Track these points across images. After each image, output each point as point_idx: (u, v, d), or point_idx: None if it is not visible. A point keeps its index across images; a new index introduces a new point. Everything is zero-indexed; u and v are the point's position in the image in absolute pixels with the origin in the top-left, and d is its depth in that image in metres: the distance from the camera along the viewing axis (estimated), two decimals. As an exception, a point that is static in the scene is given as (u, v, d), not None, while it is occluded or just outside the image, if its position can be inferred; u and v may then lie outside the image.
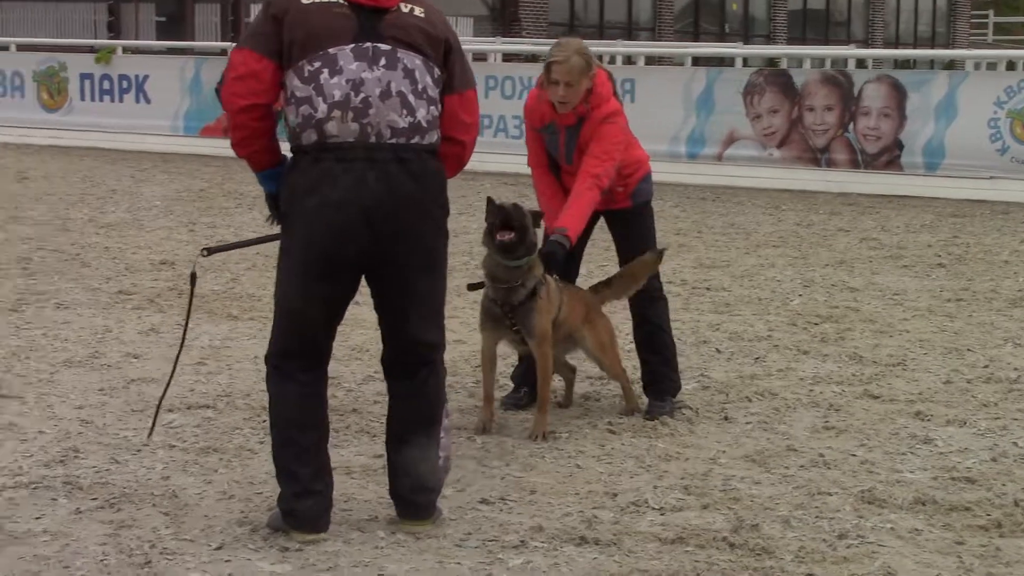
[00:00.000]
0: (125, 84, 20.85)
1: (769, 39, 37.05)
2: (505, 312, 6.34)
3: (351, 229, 4.86)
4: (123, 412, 6.61)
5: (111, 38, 28.09)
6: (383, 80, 4.89)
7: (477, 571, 4.79)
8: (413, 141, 4.94)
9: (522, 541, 5.05)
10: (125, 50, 22.03)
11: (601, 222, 7.05)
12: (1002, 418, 6.90)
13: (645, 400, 6.94)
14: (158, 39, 27.83)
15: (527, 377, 6.92)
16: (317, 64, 4.85)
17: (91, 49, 21.85)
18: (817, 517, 5.43)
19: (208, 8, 29.46)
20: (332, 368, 6.55)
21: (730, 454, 6.26)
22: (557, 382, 7.09)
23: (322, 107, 4.84)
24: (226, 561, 4.81)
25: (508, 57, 21.75)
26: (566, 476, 5.87)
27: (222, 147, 19.62)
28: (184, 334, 5.50)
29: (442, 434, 5.31)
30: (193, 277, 5.39)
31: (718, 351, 8.35)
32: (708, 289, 10.39)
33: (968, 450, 6.37)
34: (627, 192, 6.90)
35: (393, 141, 4.90)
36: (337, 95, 4.84)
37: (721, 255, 12.09)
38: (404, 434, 5.17)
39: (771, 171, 17.30)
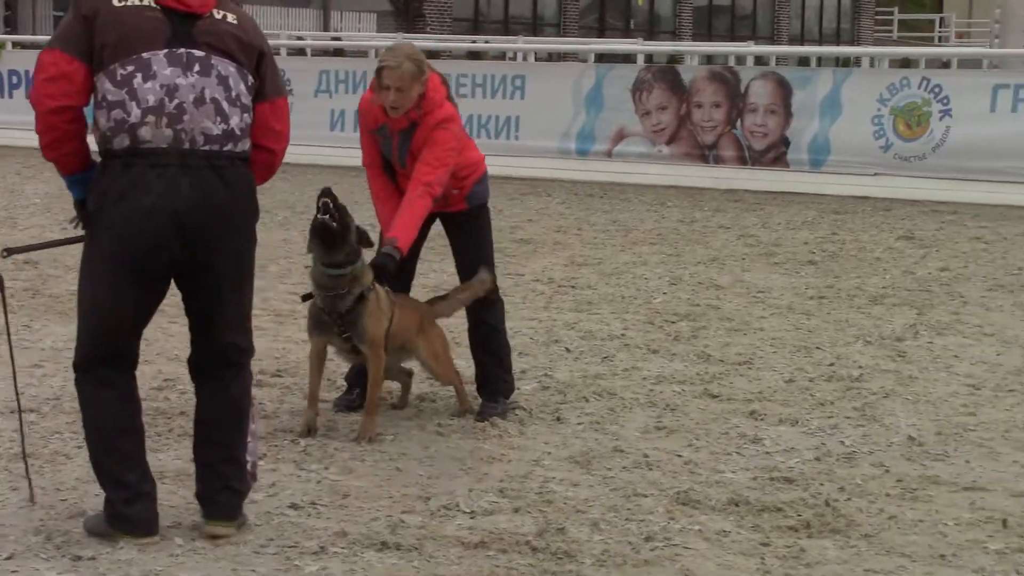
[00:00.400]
0: (15, 79, 20.58)
1: (675, 35, 37.20)
2: (334, 319, 6.29)
3: (162, 235, 4.81)
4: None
5: (7, 32, 27.73)
6: (197, 86, 4.84)
7: (271, 579, 4.74)
8: (226, 148, 4.90)
9: (322, 547, 4.99)
10: (15, 45, 21.73)
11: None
12: (835, 416, 6.94)
13: (480, 401, 6.90)
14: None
15: (360, 378, 6.87)
16: (130, 68, 4.78)
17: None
18: (627, 519, 5.41)
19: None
20: (170, 371, 6.52)
21: (555, 455, 6.24)
22: (391, 385, 7.05)
23: (136, 112, 4.78)
24: (12, 572, 4.72)
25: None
26: (384, 479, 5.82)
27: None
28: (9, 337, 5.44)
29: (249, 439, 5.28)
30: (0, 281, 5.27)
31: (567, 350, 8.34)
32: (573, 287, 10.40)
33: (794, 449, 6.39)
34: (462, 195, 6.87)
35: (207, 148, 4.85)
36: (151, 100, 4.79)
37: (595, 252, 12.12)
38: (209, 434, 5.15)
39: (660, 167, 17.38)
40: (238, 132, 4.94)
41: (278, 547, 4.99)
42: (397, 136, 6.70)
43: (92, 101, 4.89)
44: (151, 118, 4.80)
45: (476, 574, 4.83)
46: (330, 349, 6.57)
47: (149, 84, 4.80)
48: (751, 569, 4.97)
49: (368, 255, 6.44)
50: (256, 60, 5.03)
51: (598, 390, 7.37)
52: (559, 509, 5.51)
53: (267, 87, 5.08)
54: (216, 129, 4.87)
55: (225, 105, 4.90)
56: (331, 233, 6.18)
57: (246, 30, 5.02)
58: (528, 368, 7.80)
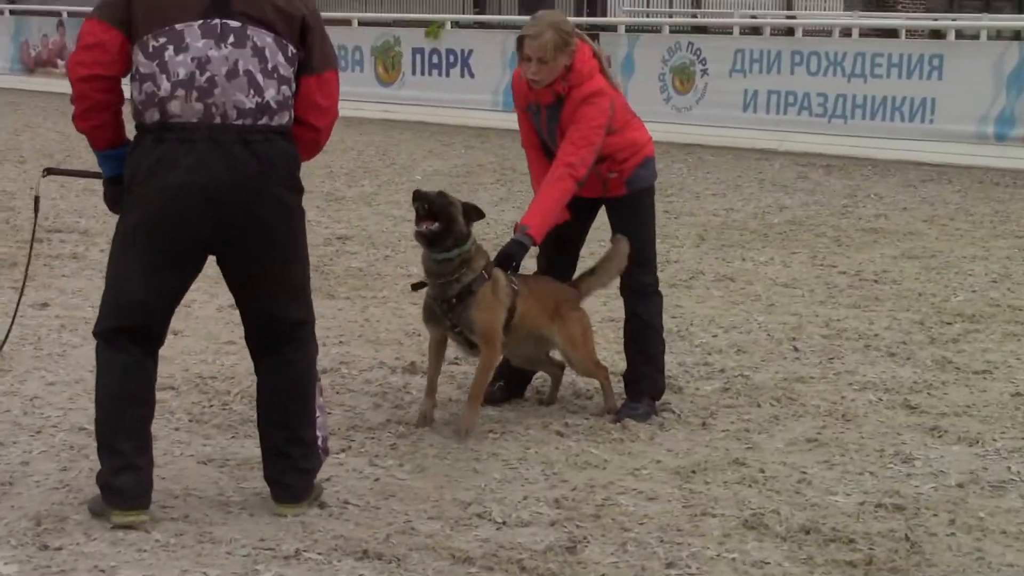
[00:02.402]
0: (452, 59, 21.13)
1: None
2: (443, 310, 5.97)
3: (192, 213, 4.67)
4: None
5: (476, 12, 28.63)
6: (230, 58, 4.67)
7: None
8: (260, 122, 4.71)
9: (296, 551, 4.71)
10: (453, 24, 22.35)
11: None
12: (1027, 438, 5.99)
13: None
14: (519, 14, 28.09)
15: (505, 370, 6.52)
16: (163, 40, 4.67)
17: (425, 24, 22.27)
18: (668, 542, 4.89)
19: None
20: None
21: (663, 465, 5.71)
22: (540, 380, 6.66)
23: (165, 85, 4.66)
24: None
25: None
26: (447, 481, 5.45)
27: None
28: (27, 270, 5.40)
29: (318, 413, 5.10)
30: (36, 201, 5.26)
31: (795, 349, 7.65)
32: (876, 282, 9.54)
33: (941, 473, 5.61)
34: (622, 179, 6.37)
35: (239, 122, 4.68)
36: (181, 73, 4.65)
37: (940, 245, 11.08)
38: (273, 415, 5.01)
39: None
40: (274, 105, 4.73)
41: (252, 548, 4.74)
42: (545, 112, 6.30)
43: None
44: (181, 92, 4.65)
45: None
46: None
47: (180, 56, 4.65)
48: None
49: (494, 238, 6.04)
50: (300, 30, 4.80)
51: (784, 395, 6.69)
52: (602, 526, 5.01)
53: (314, 59, 4.84)
54: (249, 102, 4.68)
55: (260, 77, 4.70)
56: (436, 237, 5.87)
57: None
58: (732, 367, 7.20)
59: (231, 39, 4.67)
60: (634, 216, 6.41)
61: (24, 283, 5.41)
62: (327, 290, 8.79)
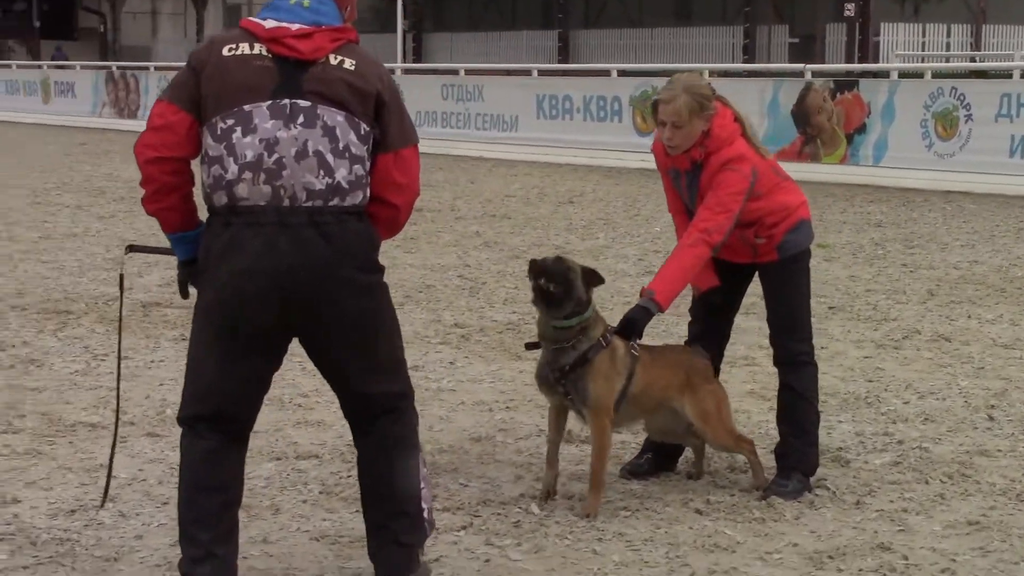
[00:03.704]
0: (711, 111, 20.81)
1: None
2: (556, 378, 5.71)
3: (263, 298, 4.52)
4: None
5: (745, 61, 28.24)
6: (300, 139, 4.53)
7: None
8: (332, 203, 4.55)
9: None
10: (710, 74, 22.01)
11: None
12: None
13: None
14: (789, 61, 27.59)
15: (656, 443, 6.21)
16: (230, 122, 4.56)
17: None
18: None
19: (837, 28, 28.85)
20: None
21: (799, 549, 5.31)
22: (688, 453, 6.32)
23: (233, 168, 4.54)
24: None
25: None
26: (561, 564, 5.18)
27: (794, 171, 19.18)
28: (120, 346, 5.34)
29: (422, 485, 4.91)
30: (121, 279, 5.18)
31: (989, 419, 7.08)
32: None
33: None
34: (772, 244, 6.00)
35: (309, 204, 4.53)
36: (249, 155, 4.52)
37: None
38: (374, 489, 4.84)
39: None
40: (346, 185, 4.56)
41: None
42: (684, 178, 6.00)
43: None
44: (248, 174, 4.51)
45: None
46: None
47: (248, 138, 4.52)
48: None
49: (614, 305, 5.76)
50: (374, 107, 4.64)
51: (960, 471, 6.20)
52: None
53: (390, 136, 4.66)
54: (319, 184, 4.53)
55: (330, 158, 4.54)
56: (552, 299, 5.63)
57: (364, 75, 4.62)
58: (914, 437, 6.73)
59: (300, 119, 4.51)
60: (787, 283, 6.03)
61: (119, 358, 5.35)
62: (516, 351, 8.59)
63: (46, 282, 11.25)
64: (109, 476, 5.51)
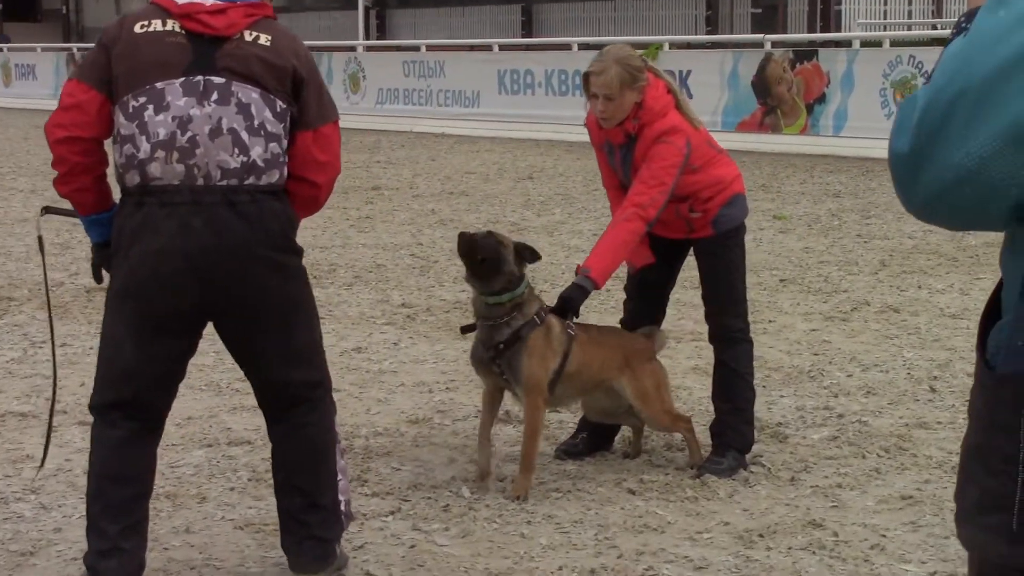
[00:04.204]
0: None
1: None
2: (490, 356, 5.62)
3: (177, 280, 4.41)
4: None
5: (708, 32, 28.16)
6: (213, 116, 4.40)
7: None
8: (247, 182, 4.43)
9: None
10: (672, 46, 21.91)
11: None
12: None
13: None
14: (752, 32, 27.50)
15: (591, 422, 6.13)
16: (142, 99, 4.44)
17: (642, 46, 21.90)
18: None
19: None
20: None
21: (730, 528, 5.24)
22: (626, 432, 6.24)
23: (145, 147, 4.41)
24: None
25: None
26: (488, 549, 5.09)
27: (755, 142, 19.16)
28: (49, 311, 5.12)
29: (340, 477, 4.80)
30: (40, 241, 5.01)
31: (931, 390, 7.03)
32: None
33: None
34: (707, 219, 5.92)
35: (224, 183, 4.41)
36: (162, 134, 4.40)
37: None
38: (288, 480, 4.72)
39: None
40: (261, 164, 4.44)
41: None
42: (619, 152, 5.90)
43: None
44: (161, 153, 4.39)
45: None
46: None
47: (160, 116, 4.40)
48: None
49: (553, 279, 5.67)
50: (292, 84, 4.53)
51: (897, 444, 6.15)
52: (630, 601, 4.57)
53: (309, 114, 4.55)
54: (234, 162, 4.41)
55: (245, 135, 4.42)
56: (479, 267, 5.54)
57: (279, 51, 4.50)
58: (854, 411, 6.66)
59: (214, 96, 4.39)
60: (722, 258, 5.95)
61: (51, 323, 5.20)
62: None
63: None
64: (44, 457, 5.32)
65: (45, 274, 5.14)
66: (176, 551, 5.07)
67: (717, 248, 5.93)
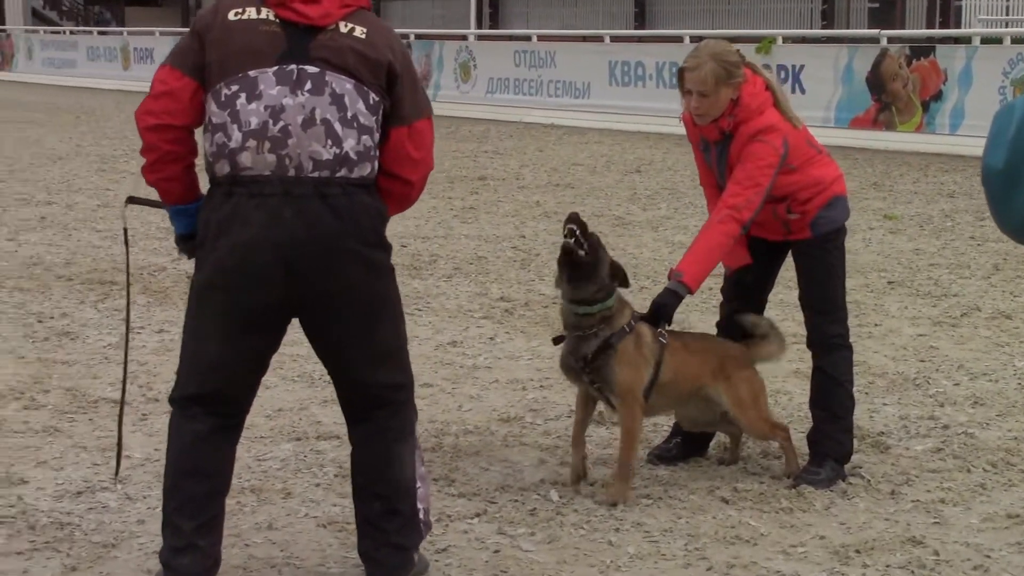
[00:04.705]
0: (783, 74, 20.40)
1: None
2: (580, 367, 5.49)
3: (266, 272, 4.32)
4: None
5: (823, 26, 27.75)
6: (307, 107, 4.31)
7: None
8: (339, 175, 4.34)
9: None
10: (785, 40, 21.58)
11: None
12: None
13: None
14: (868, 27, 27.02)
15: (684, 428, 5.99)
16: (235, 88, 4.36)
17: (755, 40, 21.60)
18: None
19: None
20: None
21: (825, 543, 5.07)
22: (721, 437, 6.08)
23: (236, 135, 4.33)
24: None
25: None
26: (573, 556, 4.96)
27: (868, 139, 18.82)
28: (128, 302, 5.08)
29: (419, 484, 4.70)
30: (125, 232, 4.98)
31: (1044, 402, 6.77)
32: None
33: None
34: (805, 220, 5.73)
35: (315, 175, 4.32)
36: (254, 123, 4.31)
37: None
38: (367, 485, 4.62)
39: None
40: (354, 156, 4.35)
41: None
42: (714, 149, 5.74)
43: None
44: (252, 142, 4.31)
45: None
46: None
47: (253, 105, 4.32)
48: None
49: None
50: (386, 78, 4.42)
51: (1004, 459, 5.95)
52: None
53: (404, 109, 4.44)
54: (327, 154, 4.32)
55: (338, 127, 4.33)
56: (577, 262, 5.40)
57: (374, 45, 4.40)
58: (961, 422, 6.45)
59: (308, 86, 4.30)
60: (820, 261, 5.76)
61: (128, 315, 5.15)
62: (559, 325, 8.35)
63: (96, 251, 11.17)
64: (119, 454, 5.28)
65: (128, 266, 5.07)
66: (257, 548, 4.99)
67: (815, 251, 5.75)
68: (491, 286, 9.82)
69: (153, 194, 4.66)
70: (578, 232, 5.37)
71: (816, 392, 5.80)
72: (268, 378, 7.04)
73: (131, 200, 4.90)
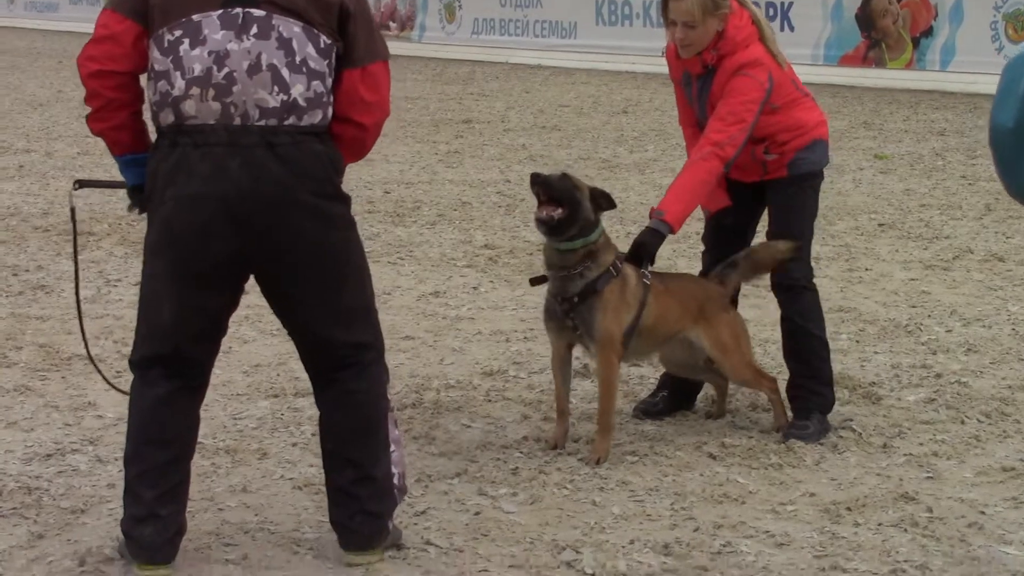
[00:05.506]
0: (771, 12, 20.14)
1: None
2: (563, 309, 5.32)
3: (213, 226, 4.15)
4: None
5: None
6: (252, 52, 4.13)
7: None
8: (287, 122, 4.15)
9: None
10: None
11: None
12: None
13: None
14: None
15: (673, 379, 5.83)
16: (178, 33, 4.16)
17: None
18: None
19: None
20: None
21: (816, 500, 4.93)
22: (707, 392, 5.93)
23: (180, 83, 4.14)
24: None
25: None
26: (557, 518, 4.80)
27: (857, 77, 18.61)
28: (76, 278, 4.88)
29: (393, 448, 4.53)
30: (72, 212, 4.79)
31: (1033, 348, 6.63)
32: None
33: None
34: (783, 161, 5.58)
35: (262, 123, 4.14)
36: (197, 69, 4.13)
37: None
38: (337, 451, 4.45)
39: None
40: (303, 103, 4.16)
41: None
42: (696, 84, 5.57)
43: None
44: (196, 90, 4.12)
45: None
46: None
47: (196, 51, 4.13)
48: None
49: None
50: (337, 18, 4.23)
51: (999, 409, 5.80)
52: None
53: (357, 51, 4.25)
54: (273, 101, 4.13)
55: (286, 72, 4.14)
56: (558, 225, 5.24)
57: None
58: (954, 370, 6.30)
59: (254, 30, 4.12)
60: (793, 199, 5.62)
61: (78, 295, 4.97)
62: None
63: (75, 201, 10.94)
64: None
65: (75, 251, 4.86)
66: (231, 512, 4.85)
67: (789, 188, 5.60)
68: (475, 233, 9.65)
69: (101, 173, 4.47)
70: (544, 199, 5.21)
71: (789, 343, 5.66)
72: (247, 332, 6.97)
73: (80, 184, 4.73)
